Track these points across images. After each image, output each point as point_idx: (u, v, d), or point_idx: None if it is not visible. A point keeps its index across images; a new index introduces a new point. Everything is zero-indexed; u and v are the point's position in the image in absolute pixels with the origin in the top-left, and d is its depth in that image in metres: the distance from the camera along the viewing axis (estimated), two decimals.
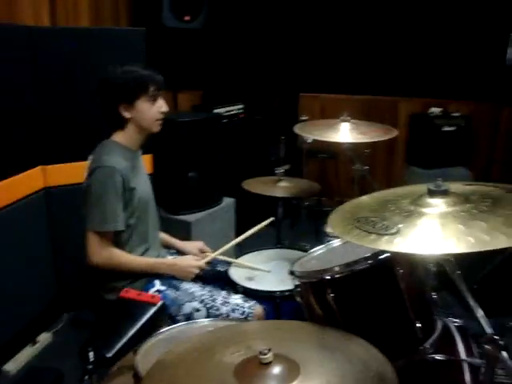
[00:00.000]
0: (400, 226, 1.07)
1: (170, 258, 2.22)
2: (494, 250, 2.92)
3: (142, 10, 4.00)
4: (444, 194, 1.14)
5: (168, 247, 2.35)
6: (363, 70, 4.99)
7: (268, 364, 1.11)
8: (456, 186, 1.22)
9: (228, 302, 1.95)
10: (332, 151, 4.54)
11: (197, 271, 2.10)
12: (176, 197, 3.45)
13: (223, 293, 2.01)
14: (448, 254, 1.11)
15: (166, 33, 3.82)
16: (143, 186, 2.10)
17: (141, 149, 2.15)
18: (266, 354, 1.11)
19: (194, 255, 2.25)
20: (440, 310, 1.74)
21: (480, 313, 1.12)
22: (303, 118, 3.70)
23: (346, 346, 1.27)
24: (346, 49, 4.94)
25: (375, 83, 5.03)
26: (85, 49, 2.83)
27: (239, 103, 4.38)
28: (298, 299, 1.62)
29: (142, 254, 2.07)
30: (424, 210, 1.13)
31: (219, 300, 1.96)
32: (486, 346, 1.11)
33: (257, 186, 2.58)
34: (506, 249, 1.05)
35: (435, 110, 4.93)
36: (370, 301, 1.48)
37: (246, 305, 1.95)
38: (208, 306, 1.95)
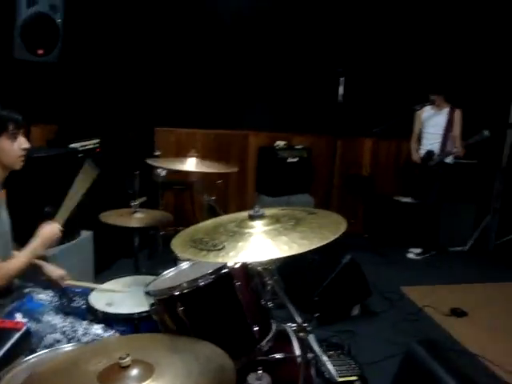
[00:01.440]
0: (225, 243, 1.36)
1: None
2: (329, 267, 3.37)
3: None
4: (261, 217, 1.46)
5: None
6: (216, 106, 5.36)
7: (127, 367, 1.31)
8: (273, 211, 1.55)
9: (88, 333, 2.03)
10: (186, 183, 4.80)
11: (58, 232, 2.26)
12: (32, 232, 3.43)
13: (84, 323, 2.09)
14: (267, 263, 1.43)
15: (17, 65, 3.78)
16: (2, 223, 2.16)
17: (2, 186, 2.21)
18: (124, 359, 1.31)
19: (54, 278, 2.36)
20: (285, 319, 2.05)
21: (292, 308, 1.43)
22: (157, 153, 3.92)
23: (194, 349, 1.52)
24: (200, 85, 5.27)
25: (227, 118, 5.43)
26: None
27: (95, 138, 4.45)
28: (154, 317, 1.84)
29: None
30: (245, 230, 1.44)
31: (80, 331, 2.04)
32: (300, 334, 1.43)
33: (113, 217, 2.74)
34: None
35: (280, 143, 5.45)
36: (215, 310, 1.75)
37: (106, 334, 2.04)
38: (69, 336, 2.02)
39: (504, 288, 4.55)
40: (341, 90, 5.04)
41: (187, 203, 5.17)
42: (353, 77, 5.16)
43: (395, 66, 5.55)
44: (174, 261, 3.22)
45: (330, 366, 1.43)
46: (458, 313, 3.88)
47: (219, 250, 1.32)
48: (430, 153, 4.97)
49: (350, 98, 5.19)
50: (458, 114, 4.86)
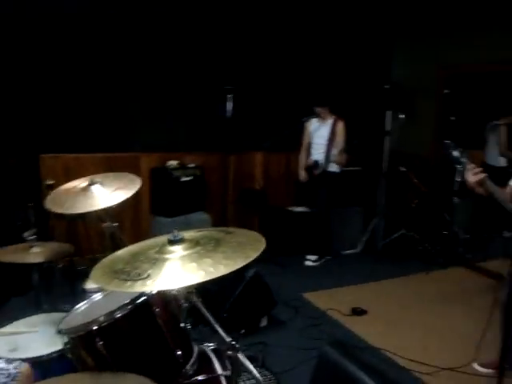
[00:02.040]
0: (149, 271, 1.35)
1: None
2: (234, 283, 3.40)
3: None
4: (180, 241, 1.46)
5: None
6: (104, 128, 5.20)
7: None
8: (190, 234, 1.56)
9: None
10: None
11: None
12: None
13: None
14: (189, 287, 1.42)
15: None
16: None
17: None
18: None
19: None
20: (197, 339, 2.06)
21: (219, 328, 1.45)
22: (49, 183, 3.71)
23: (118, 383, 1.48)
24: (86, 107, 5.08)
25: (116, 140, 5.29)
26: None
27: None
28: (70, 355, 1.75)
29: None
30: (167, 256, 1.43)
31: None
32: (229, 352, 1.45)
33: (8, 255, 2.56)
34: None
35: (173, 163, 5.42)
36: (136, 340, 1.71)
37: (11, 366, 1.87)
38: None
39: (395, 283, 4.90)
40: (229, 106, 5.16)
41: (81, 232, 4.94)
42: (241, 93, 5.30)
43: (282, 81, 5.81)
44: (73, 293, 3.08)
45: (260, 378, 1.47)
46: (358, 312, 4.10)
47: (144, 278, 1.30)
48: (315, 163, 5.23)
49: (239, 114, 5.33)
50: (340, 124, 5.16)
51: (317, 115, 5.21)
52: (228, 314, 3.64)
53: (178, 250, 1.44)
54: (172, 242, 1.46)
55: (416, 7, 6.04)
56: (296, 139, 5.48)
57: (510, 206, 2.90)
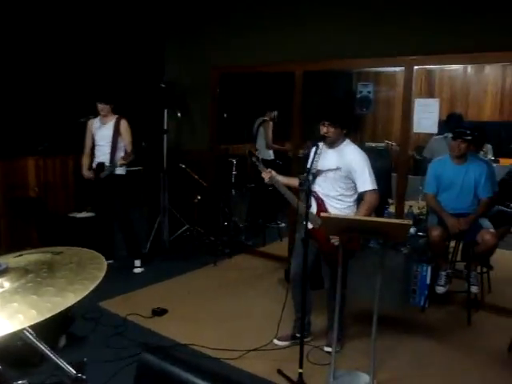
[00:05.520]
0: None
1: None
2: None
3: None
4: (4, 272, 1.24)
5: None
6: None
7: None
8: (8, 260, 1.34)
9: None
10: None
11: None
12: None
13: None
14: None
15: None
16: None
17: None
18: None
19: None
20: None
21: (62, 362, 1.30)
22: None
23: None
24: None
25: None
26: None
27: None
28: None
29: None
30: None
31: None
32: None
33: None
34: None
35: None
36: None
37: None
38: None
39: (187, 277, 5.06)
40: None
41: None
42: (7, 92, 4.78)
43: (54, 80, 5.37)
44: None
45: None
46: (158, 312, 4.09)
47: None
48: (100, 165, 4.94)
49: (8, 116, 4.81)
50: (124, 124, 4.95)
51: (98, 114, 4.95)
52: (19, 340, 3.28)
53: (6, 283, 1.21)
54: None
55: (185, 10, 6.20)
56: (73, 141, 5.17)
57: (294, 199, 3.35)
